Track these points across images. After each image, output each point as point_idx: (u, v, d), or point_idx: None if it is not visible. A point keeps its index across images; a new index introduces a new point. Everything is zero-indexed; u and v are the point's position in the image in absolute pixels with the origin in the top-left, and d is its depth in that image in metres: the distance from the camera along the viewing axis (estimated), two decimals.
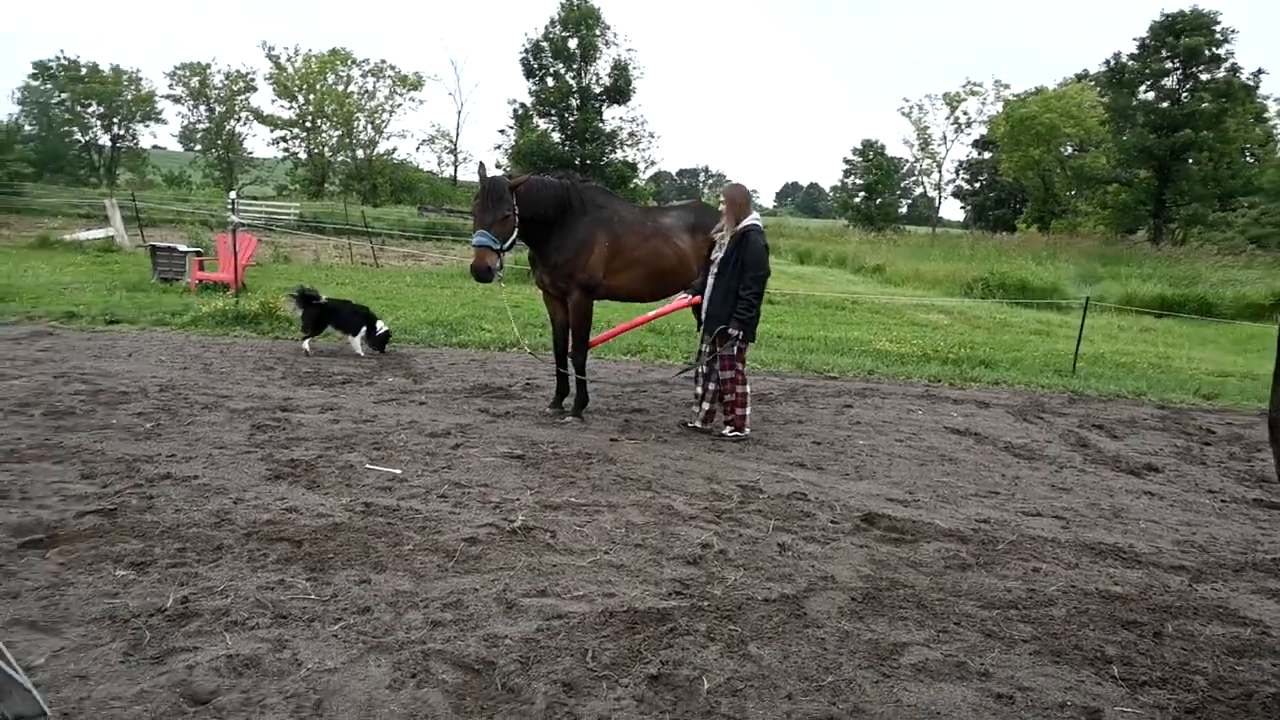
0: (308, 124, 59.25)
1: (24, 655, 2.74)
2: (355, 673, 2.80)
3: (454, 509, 4.44)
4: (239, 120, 62.40)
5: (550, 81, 41.07)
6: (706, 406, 6.50)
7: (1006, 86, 55.11)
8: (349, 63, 57.99)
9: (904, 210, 77.97)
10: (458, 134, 66.94)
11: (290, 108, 58.66)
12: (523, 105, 42.49)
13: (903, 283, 26.43)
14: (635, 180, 41.87)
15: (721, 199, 6.44)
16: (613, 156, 41.06)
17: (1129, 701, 3.00)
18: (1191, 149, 35.69)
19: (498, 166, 58.18)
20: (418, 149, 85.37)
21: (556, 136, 41.33)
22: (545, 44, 40.51)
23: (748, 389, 6.39)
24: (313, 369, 8.10)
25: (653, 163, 44.49)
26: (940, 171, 63.67)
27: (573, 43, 40.33)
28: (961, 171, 67.17)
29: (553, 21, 40.48)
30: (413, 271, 20.23)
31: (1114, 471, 6.30)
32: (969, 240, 36.59)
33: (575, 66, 40.93)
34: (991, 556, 4.31)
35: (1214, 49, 36.23)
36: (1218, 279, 22.29)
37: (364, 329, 9.16)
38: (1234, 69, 36.73)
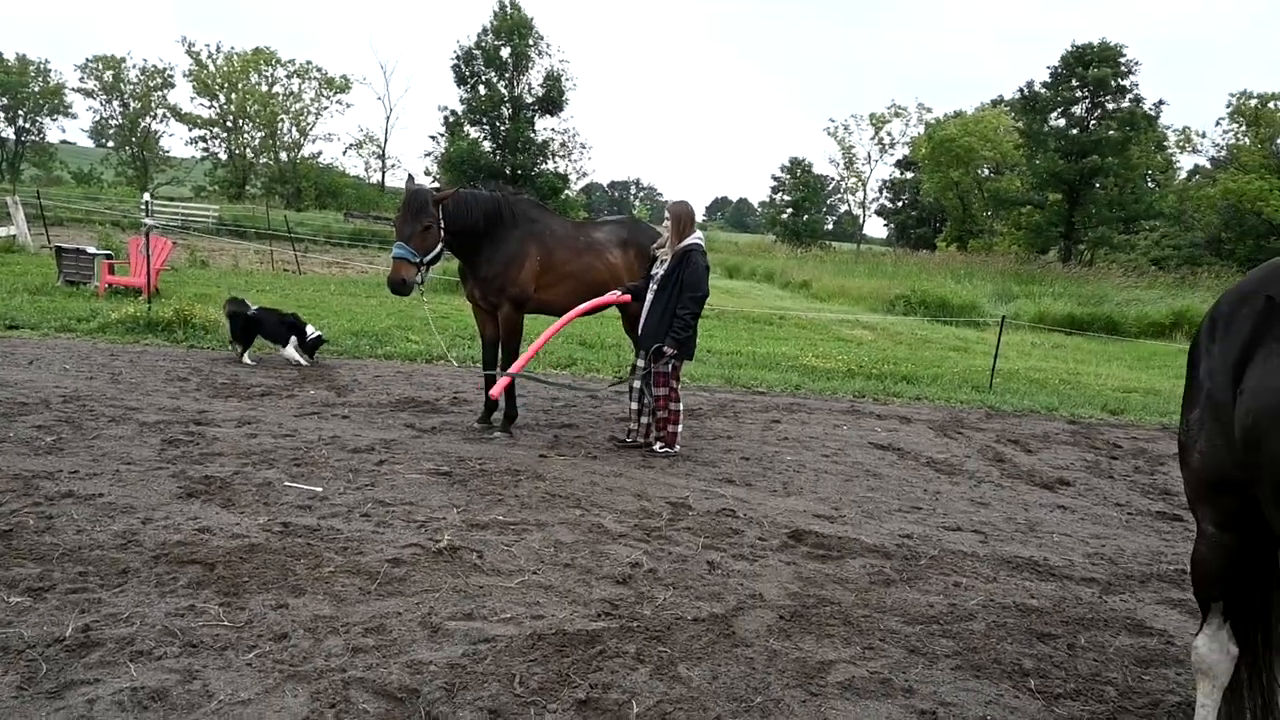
0: (228, 124, 57.54)
1: None
2: (270, 704, 2.69)
3: (377, 528, 4.32)
4: (155, 117, 60.23)
5: (482, 90, 40.69)
6: (645, 421, 6.49)
7: (929, 110, 57.18)
8: (273, 62, 56.66)
9: (829, 227, 79.77)
10: (386, 139, 65.84)
11: (211, 107, 57.02)
12: (454, 113, 41.97)
13: (829, 298, 27.00)
14: (567, 191, 41.77)
15: (666, 215, 6.41)
16: (544, 167, 40.86)
17: (1045, 714, 3.09)
18: (1099, 174, 37.57)
19: (427, 174, 57.36)
20: (344, 153, 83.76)
21: (487, 145, 40.93)
22: (477, 52, 40.13)
23: (680, 406, 6.41)
24: (230, 380, 7.81)
25: (584, 174, 44.47)
26: (865, 190, 65.45)
27: (505, 51, 40.07)
28: (885, 190, 69.17)
29: (485, 29, 40.16)
30: (337, 279, 19.76)
31: (1029, 485, 6.52)
32: (892, 258, 37.64)
33: (507, 75, 40.66)
34: (914, 571, 4.40)
35: (1119, 80, 38.30)
36: (1122, 298, 23.42)
37: (293, 338, 8.91)
38: (1137, 99, 38.91)
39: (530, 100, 40.80)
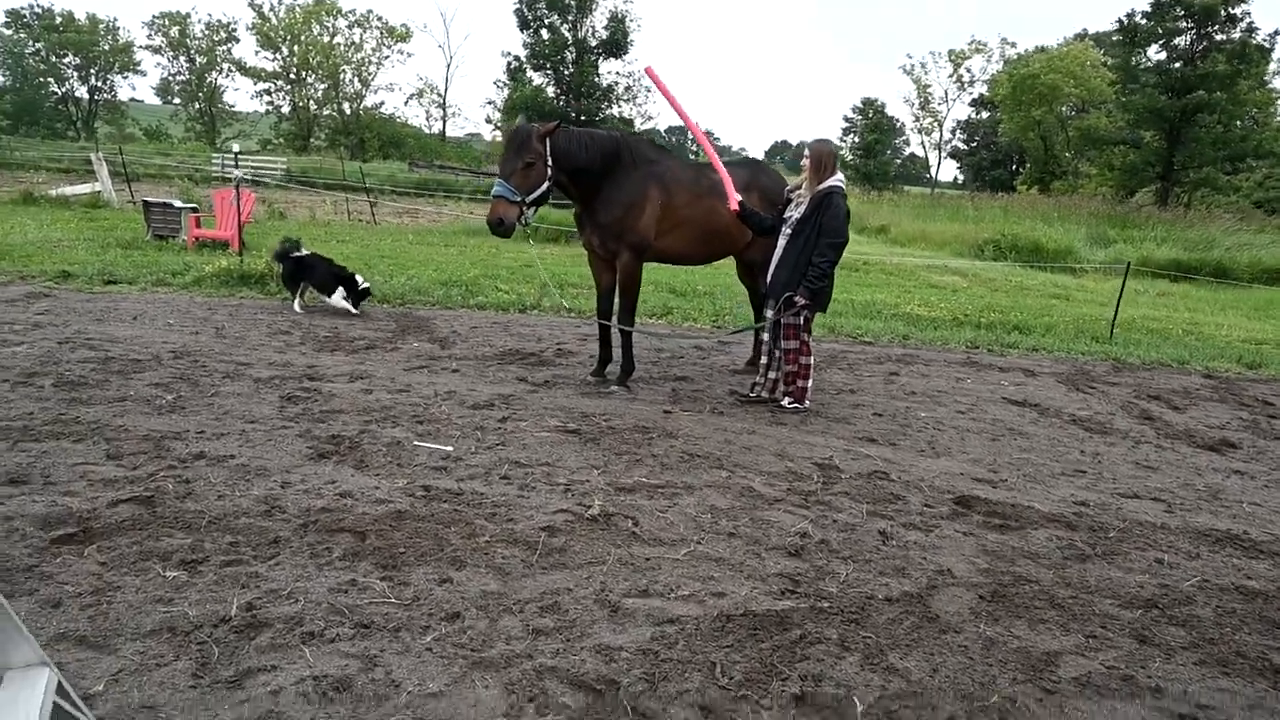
0: (292, 76, 57.75)
1: (78, 679, 2.35)
2: (463, 697, 2.43)
3: (521, 492, 4.05)
4: (220, 72, 60.76)
5: (545, 34, 39.89)
6: (773, 375, 6.11)
7: (1012, 45, 54.27)
8: (334, 13, 56.43)
9: (894, 171, 77.24)
10: (446, 88, 65.56)
11: (274, 60, 57.22)
12: (517, 58, 41.33)
13: (909, 243, 25.99)
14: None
15: (806, 154, 5.86)
16: (609, 112, 40.08)
17: None
18: (1204, 111, 35.08)
19: (488, 121, 57.00)
20: (406, 103, 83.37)
21: (551, 91, 40.27)
22: None
23: (811, 360, 6.00)
24: (331, 333, 7.64)
25: (649, 118, 43.51)
26: (941, 131, 62.88)
27: None
28: (958, 131, 66.46)
29: None
30: (412, 229, 19.64)
31: (1191, 447, 5.98)
32: (971, 201, 36.09)
33: (570, 19, 39.75)
34: (1107, 545, 3.97)
35: (1229, 8, 35.50)
36: (1232, 242, 21.99)
37: (340, 289, 8.64)
38: (1250, 29, 36.06)
39: (594, 43, 39.88)
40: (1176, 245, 21.50)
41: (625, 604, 3.04)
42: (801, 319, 5.80)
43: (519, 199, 5.39)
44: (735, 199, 5.90)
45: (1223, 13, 35.42)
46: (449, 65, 70.22)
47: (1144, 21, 37.95)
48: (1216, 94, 34.32)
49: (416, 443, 4.68)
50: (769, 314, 5.93)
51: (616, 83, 41.12)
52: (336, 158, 49.69)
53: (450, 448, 4.64)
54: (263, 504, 3.69)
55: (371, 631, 2.74)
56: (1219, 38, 36.27)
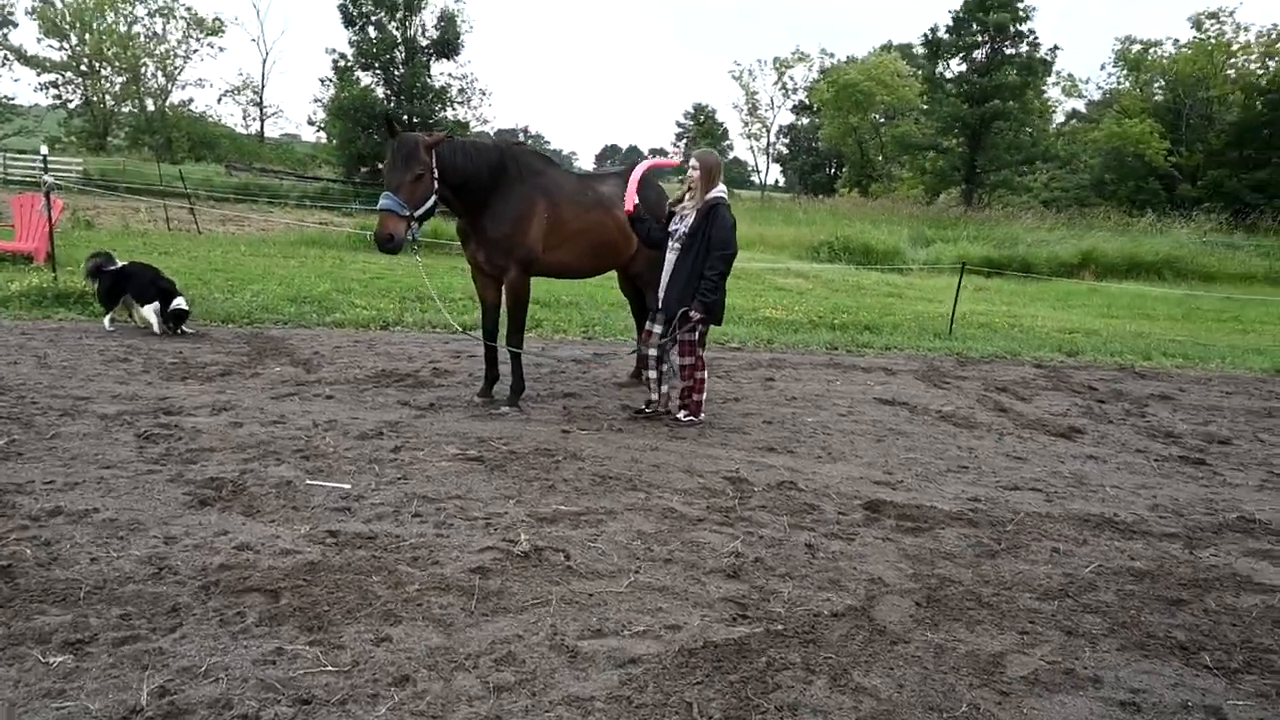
0: (83, 68, 52.45)
1: None
2: None
3: (439, 531, 3.80)
4: None
5: (372, 31, 38.18)
6: (665, 390, 6.08)
7: (831, 55, 57.43)
8: (131, 0, 51.65)
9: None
10: (264, 85, 61.48)
11: (61, 49, 51.65)
12: (343, 56, 39.32)
13: (748, 247, 26.83)
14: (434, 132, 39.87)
15: (692, 165, 5.73)
16: (443, 115, 38.89)
17: (1233, 692, 2.92)
18: (999, 118, 38.68)
19: (310, 123, 54.05)
20: (219, 101, 77.44)
21: (381, 91, 38.63)
22: None
23: (705, 374, 6.02)
24: (178, 359, 6.94)
25: (485, 121, 42.54)
26: (769, 136, 65.63)
27: None
28: (781, 137, 69.65)
29: None
30: (242, 239, 18.28)
31: (1047, 436, 6.48)
32: (799, 204, 37.88)
33: (399, 16, 38.28)
34: (1009, 540, 4.21)
35: (1018, 25, 39.30)
36: (1032, 239, 24.24)
37: (155, 304, 7.86)
38: (1034, 44, 40.07)
39: (425, 43, 38.62)
40: (987, 243, 23.46)
41: (582, 647, 2.89)
42: (696, 333, 5.80)
43: (408, 213, 5.08)
44: (633, 201, 5.77)
45: (1012, 29, 39.23)
46: (265, 61, 66.02)
47: (946, 35, 41.36)
48: (1010, 103, 37.97)
49: (309, 481, 4.30)
50: (656, 329, 5.86)
51: (450, 85, 39.97)
52: (141, 159, 45.57)
53: (348, 485, 4.30)
54: (148, 565, 3.25)
55: (315, 708, 2.46)
56: (1009, 52, 40.09)
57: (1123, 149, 38.23)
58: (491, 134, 50.30)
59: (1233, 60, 39.36)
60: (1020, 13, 39.07)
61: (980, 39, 40.15)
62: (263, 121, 62.19)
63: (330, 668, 2.66)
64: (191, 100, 60.06)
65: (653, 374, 6.05)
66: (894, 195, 40.82)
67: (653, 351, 5.96)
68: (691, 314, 5.63)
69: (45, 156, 9.87)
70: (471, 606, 3.13)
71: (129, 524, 3.63)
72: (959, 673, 2.92)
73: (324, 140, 50.70)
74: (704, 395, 6.04)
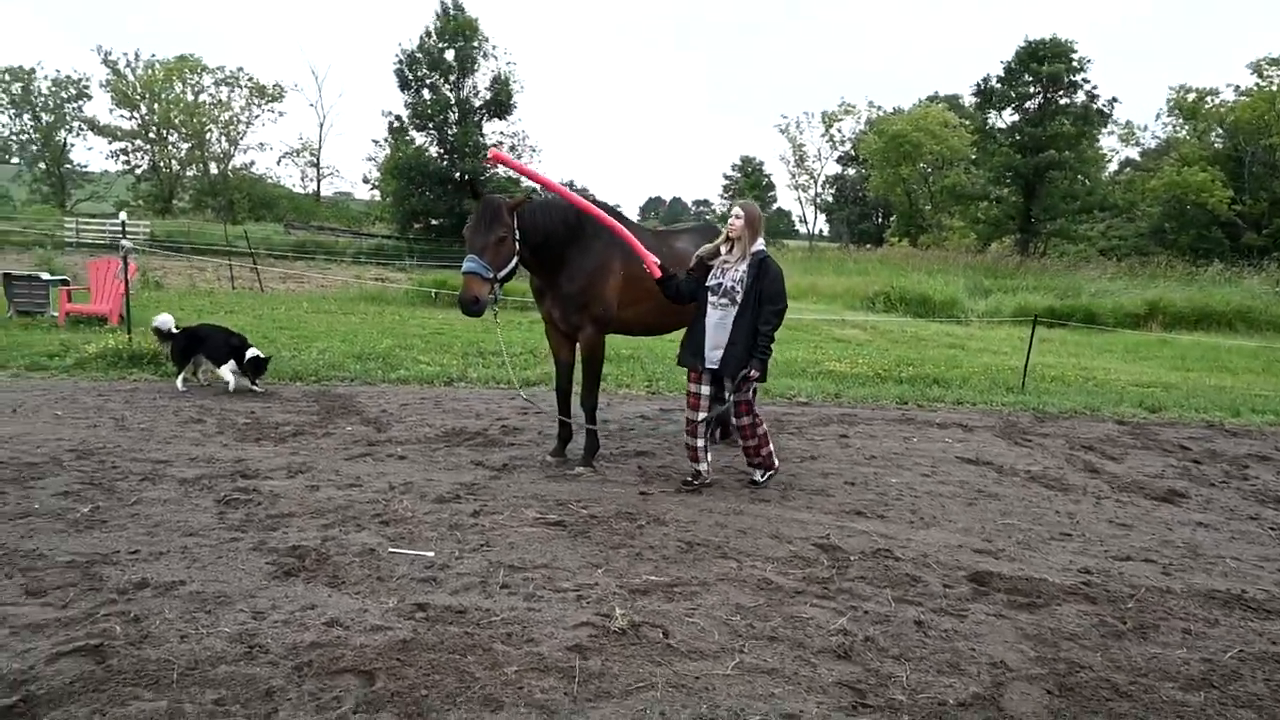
0: (151, 135, 54.81)
1: None
2: None
3: (530, 605, 3.64)
4: (70, 131, 56.95)
5: (427, 94, 39.40)
6: (711, 458, 5.84)
7: (879, 108, 57.68)
8: (199, 70, 54.12)
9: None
10: (320, 147, 63.63)
11: (131, 118, 54.13)
12: (398, 118, 40.59)
13: (800, 297, 26.72)
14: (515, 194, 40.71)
15: (735, 215, 5.43)
16: (494, 171, 39.78)
17: None
18: (1054, 168, 38.22)
19: (365, 181, 55.67)
20: (279, 162, 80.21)
21: (434, 150, 39.68)
22: (420, 55, 38.82)
23: (764, 426, 5.76)
24: (250, 419, 6.96)
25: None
26: (816, 186, 65.85)
27: (450, 54, 38.87)
28: (827, 187, 69.81)
29: (428, 32, 38.85)
30: (304, 295, 18.65)
31: (1149, 500, 6.12)
32: (849, 254, 37.68)
33: (452, 79, 39.48)
34: (1135, 618, 3.90)
35: (1071, 75, 39.04)
36: (1095, 289, 23.67)
37: (232, 360, 8.00)
38: (1091, 95, 39.76)
39: (478, 104, 39.70)
40: (1048, 293, 22.96)
41: None
42: (751, 393, 5.58)
43: (491, 275, 5.03)
44: (655, 263, 5.44)
45: (1065, 79, 38.97)
46: (322, 124, 68.39)
47: (998, 85, 41.23)
48: (1065, 152, 37.53)
49: (391, 549, 4.19)
50: (705, 391, 5.55)
51: (501, 142, 40.94)
52: (204, 220, 47.21)
53: (431, 552, 4.17)
54: (238, 643, 3.14)
55: None
56: (1064, 101, 39.78)
57: (1183, 197, 37.44)
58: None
59: None
60: (1074, 63, 38.85)
61: (1033, 89, 39.94)
62: (319, 181, 64.20)
63: None
64: (253, 163, 62.30)
65: (700, 442, 5.67)
66: (945, 245, 40.42)
67: (702, 415, 5.59)
68: (752, 374, 5.32)
69: (124, 222, 10.14)
70: (574, 690, 2.95)
71: (216, 597, 3.54)
72: None
73: (378, 198, 52.15)
74: (771, 446, 5.81)
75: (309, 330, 12.41)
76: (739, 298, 5.35)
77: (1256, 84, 39.38)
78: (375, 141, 54.83)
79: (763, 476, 5.81)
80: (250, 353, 8.04)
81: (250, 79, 55.35)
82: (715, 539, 4.64)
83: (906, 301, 21.78)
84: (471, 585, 3.82)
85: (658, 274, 5.45)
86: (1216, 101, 40.99)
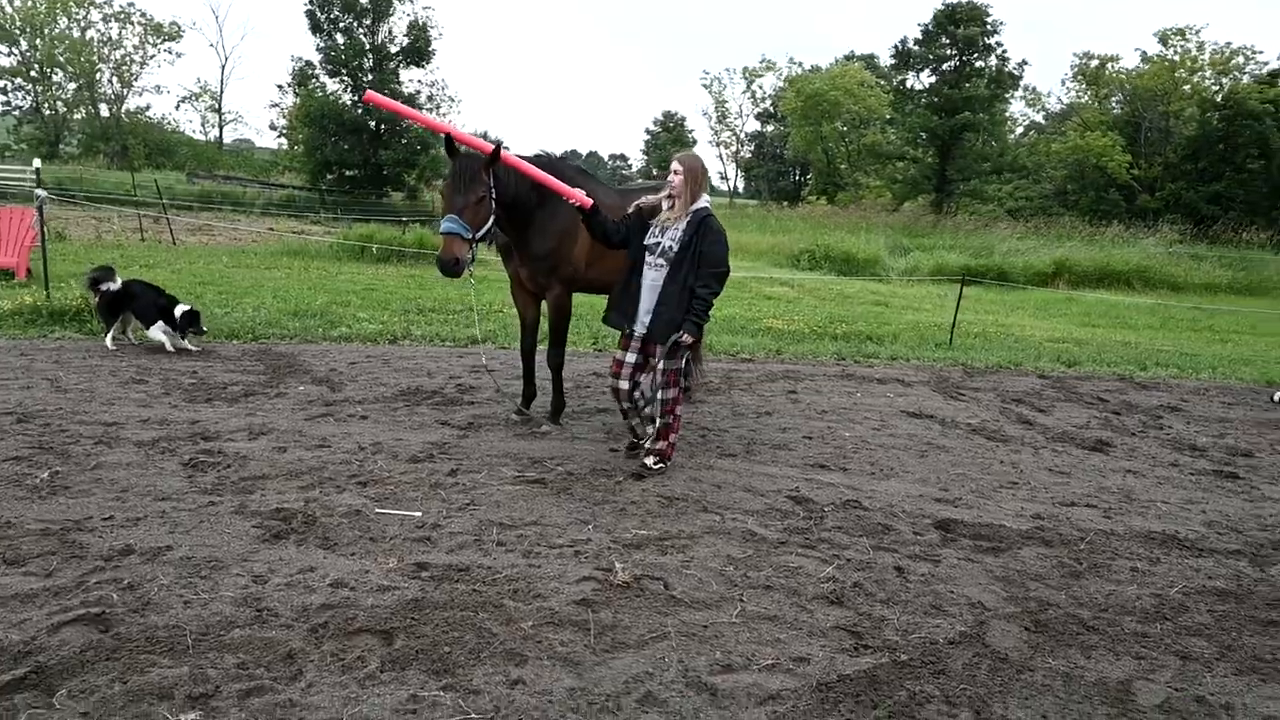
0: (34, 74, 50.94)
1: None
2: None
3: (530, 561, 3.70)
4: None
5: (340, 38, 37.77)
6: (649, 426, 5.17)
7: (800, 65, 58.01)
8: (86, 4, 50.35)
9: None
10: (222, 91, 60.32)
11: (10, 54, 50.12)
12: (309, 63, 38.84)
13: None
14: (435, 149, 39.60)
15: (674, 169, 4.89)
16: (408, 124, 38.52)
17: None
18: (969, 130, 39.48)
19: (272, 128, 53.19)
20: (177, 107, 75.38)
21: (349, 98, 38.17)
22: None
23: (681, 409, 5.26)
24: (195, 379, 6.72)
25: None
26: (739, 145, 66.10)
27: None
28: (745, 145, 70.17)
29: None
30: (225, 250, 17.86)
31: (1080, 449, 6.54)
32: (771, 212, 38.16)
33: (367, 24, 37.91)
34: (1089, 559, 4.22)
35: (986, 39, 40.17)
36: (1006, 249, 24.67)
37: (161, 319, 7.65)
38: (1003, 58, 41.03)
39: (394, 50, 38.29)
40: (963, 252, 23.83)
41: (718, 685, 2.82)
42: (683, 362, 5.23)
43: (471, 235, 4.94)
44: (580, 195, 5.00)
45: (980, 42, 40.07)
46: (224, 67, 64.28)
47: (915, 48, 42.12)
48: (980, 115, 38.79)
49: (379, 510, 4.16)
50: (630, 358, 5.04)
51: (419, 91, 39.68)
52: (96, 166, 44.34)
53: (419, 513, 4.17)
54: (245, 607, 3.10)
55: None
56: (979, 64, 40.96)
57: (1084, 161, 39.20)
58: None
59: (1193, 77, 40.56)
60: (989, 27, 39.97)
61: (949, 52, 40.96)
62: (221, 128, 61.08)
63: (475, 715, 2.55)
64: (149, 107, 58.43)
65: (625, 404, 5.16)
66: (862, 203, 41.33)
67: (624, 384, 5.06)
68: (684, 339, 4.88)
69: (38, 169, 9.48)
70: (591, 642, 3.03)
71: (209, 562, 3.47)
72: (1093, 702, 2.90)
73: (284, 146, 49.90)
74: (677, 436, 5.27)
75: (235, 286, 11.93)
76: (673, 258, 4.87)
77: (1160, 53, 41.29)
78: (280, 87, 52.28)
79: (655, 464, 5.13)
80: (180, 308, 7.71)
81: (144, 15, 51.94)
82: (693, 494, 4.77)
83: (831, 259, 22.29)
84: (467, 544, 3.84)
85: (587, 203, 4.98)
86: (1117, 68, 42.86)
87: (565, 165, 5.88)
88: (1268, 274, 25.56)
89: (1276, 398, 9.22)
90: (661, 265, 4.92)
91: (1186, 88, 40.15)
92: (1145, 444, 6.88)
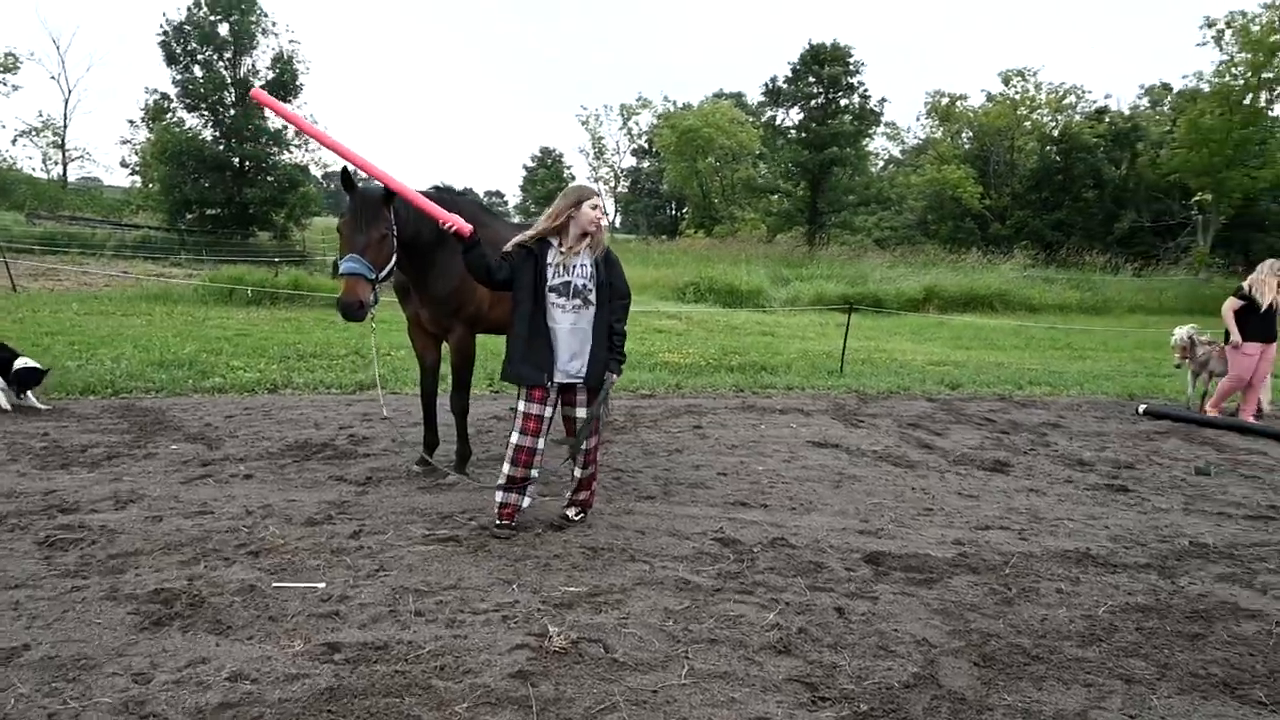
0: None
1: None
2: None
3: (454, 632, 3.38)
4: None
5: (198, 71, 35.97)
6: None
7: (674, 103, 59.34)
8: None
9: None
10: (65, 126, 56.21)
11: None
12: (164, 96, 36.82)
13: None
14: (305, 186, 38.21)
15: (595, 205, 4.55)
16: (280, 158, 37.06)
17: None
18: (837, 164, 41.36)
19: (124, 165, 49.90)
20: (14, 142, 69.51)
21: (209, 134, 36.33)
22: (190, 28, 35.35)
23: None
24: (47, 442, 6.01)
25: (325, 165, 40.89)
26: (618, 180, 66.77)
27: (224, 29, 35.70)
28: (624, 179, 71.09)
29: (197, 3, 35.46)
30: (70, 295, 16.43)
31: (981, 471, 6.69)
32: (654, 246, 38.60)
33: (228, 56, 36.30)
34: (1016, 584, 4.24)
35: (849, 77, 42.35)
36: (880, 276, 25.74)
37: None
38: (865, 95, 43.33)
39: (258, 84, 36.75)
40: (840, 281, 24.69)
41: None
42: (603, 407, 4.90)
43: (374, 276, 4.59)
44: (461, 224, 4.51)
45: (844, 81, 42.23)
46: (67, 100, 59.59)
47: (785, 85, 43.96)
48: (846, 149, 40.72)
49: (275, 584, 3.74)
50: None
51: (285, 126, 38.18)
52: None
53: (322, 584, 3.77)
54: (128, 715, 2.66)
55: None
56: (844, 102, 43.11)
57: (942, 192, 41.65)
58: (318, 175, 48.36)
59: (1032, 114, 43.92)
60: (851, 67, 42.17)
61: (816, 89, 42.95)
62: (65, 165, 56.91)
63: None
64: None
65: (535, 472, 4.66)
66: (738, 236, 42.42)
67: (541, 444, 4.57)
68: (612, 380, 4.65)
69: None
70: None
71: (77, 661, 2.99)
72: None
73: (138, 184, 46.92)
74: (597, 483, 5.09)
75: (89, 335, 10.92)
76: (592, 297, 4.55)
77: (1002, 92, 44.56)
78: (132, 121, 49.32)
79: (575, 514, 4.89)
80: (20, 362, 6.92)
81: None
82: (617, 542, 4.54)
83: (715, 291, 22.63)
84: (380, 616, 3.48)
85: (465, 229, 4.49)
86: (965, 106, 45.94)
87: (464, 201, 5.61)
88: (1109, 294, 27.71)
89: (1141, 410, 9.83)
90: (578, 306, 4.53)
91: (1027, 124, 43.46)
92: (1038, 462, 7.12)
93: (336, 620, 3.43)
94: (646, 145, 63.93)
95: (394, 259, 4.75)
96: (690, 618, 3.63)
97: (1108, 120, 42.33)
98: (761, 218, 45.36)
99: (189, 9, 35.46)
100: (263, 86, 36.60)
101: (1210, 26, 32.48)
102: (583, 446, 4.69)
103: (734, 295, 22.26)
